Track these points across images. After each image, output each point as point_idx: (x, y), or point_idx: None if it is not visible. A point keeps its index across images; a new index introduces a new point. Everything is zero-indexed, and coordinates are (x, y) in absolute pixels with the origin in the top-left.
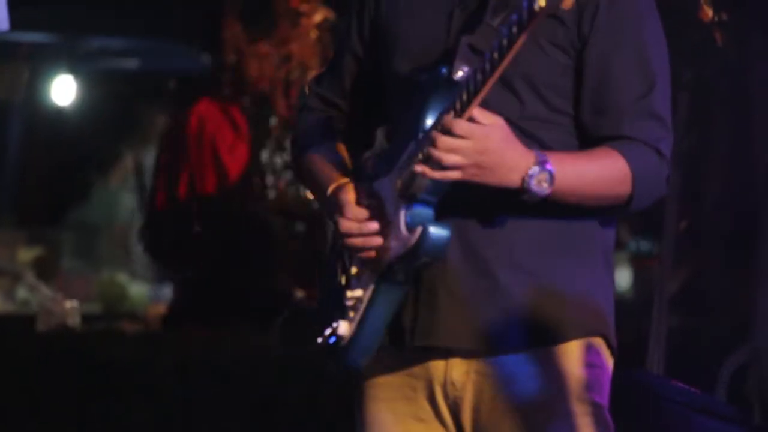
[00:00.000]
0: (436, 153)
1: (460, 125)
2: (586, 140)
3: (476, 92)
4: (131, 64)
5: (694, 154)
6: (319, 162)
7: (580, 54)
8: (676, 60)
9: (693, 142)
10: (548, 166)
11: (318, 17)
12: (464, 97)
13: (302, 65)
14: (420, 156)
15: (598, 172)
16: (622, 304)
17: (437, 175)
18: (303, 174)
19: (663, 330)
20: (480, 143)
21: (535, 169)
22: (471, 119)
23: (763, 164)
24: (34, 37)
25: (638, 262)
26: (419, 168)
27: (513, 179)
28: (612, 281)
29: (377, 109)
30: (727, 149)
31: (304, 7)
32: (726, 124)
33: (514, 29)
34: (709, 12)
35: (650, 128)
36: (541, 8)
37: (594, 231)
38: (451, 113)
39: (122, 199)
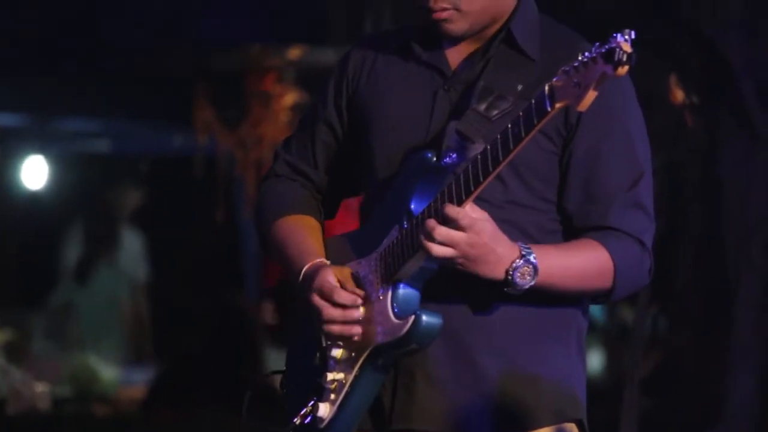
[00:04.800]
0: (428, 244)
1: (464, 216)
2: (570, 228)
3: (477, 184)
4: (103, 146)
5: (665, 237)
6: (291, 235)
7: (567, 143)
8: None
9: (663, 225)
10: (532, 259)
11: (290, 99)
12: (462, 187)
13: (274, 147)
14: (412, 241)
15: (581, 265)
16: (593, 385)
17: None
18: (271, 245)
19: (634, 412)
20: (474, 237)
21: (519, 262)
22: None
23: (734, 247)
24: (4, 119)
25: (610, 343)
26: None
27: (498, 271)
28: (585, 365)
29: (347, 182)
30: (698, 232)
31: (276, 89)
32: (696, 206)
33: (523, 128)
34: (680, 94)
35: (635, 220)
36: (555, 109)
37: (571, 317)
38: (447, 203)
39: (96, 280)
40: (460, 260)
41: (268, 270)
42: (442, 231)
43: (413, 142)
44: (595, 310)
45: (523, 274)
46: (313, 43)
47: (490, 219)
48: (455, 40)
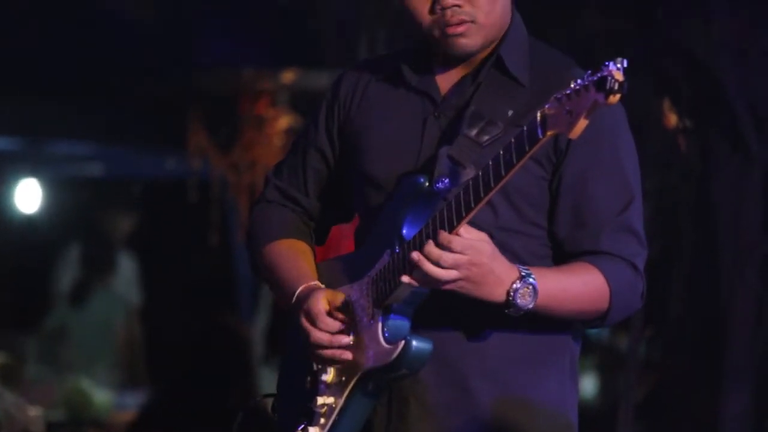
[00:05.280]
0: (434, 270)
1: (459, 241)
2: (561, 254)
3: (468, 210)
4: (96, 169)
5: (659, 260)
6: (282, 259)
7: (557, 168)
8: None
9: (657, 248)
10: (532, 280)
11: (283, 123)
12: (454, 213)
13: (267, 172)
14: (404, 266)
15: (579, 287)
16: (588, 409)
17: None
18: (263, 269)
19: None
20: (475, 257)
21: (519, 283)
22: (458, 234)
23: (728, 269)
24: None
25: (605, 367)
26: (406, 279)
27: (498, 293)
28: (577, 390)
29: (337, 207)
30: (692, 255)
31: (269, 113)
32: (690, 229)
33: (515, 155)
34: (673, 118)
35: (627, 244)
36: (546, 136)
37: (563, 341)
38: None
39: (90, 304)
40: (461, 282)
41: None
42: (448, 257)
43: (404, 168)
44: (590, 334)
45: (523, 295)
46: (307, 67)
47: (488, 240)
48: (449, 64)
